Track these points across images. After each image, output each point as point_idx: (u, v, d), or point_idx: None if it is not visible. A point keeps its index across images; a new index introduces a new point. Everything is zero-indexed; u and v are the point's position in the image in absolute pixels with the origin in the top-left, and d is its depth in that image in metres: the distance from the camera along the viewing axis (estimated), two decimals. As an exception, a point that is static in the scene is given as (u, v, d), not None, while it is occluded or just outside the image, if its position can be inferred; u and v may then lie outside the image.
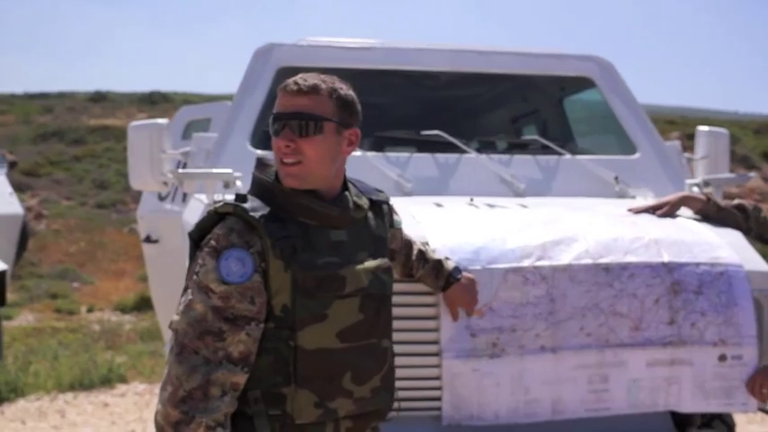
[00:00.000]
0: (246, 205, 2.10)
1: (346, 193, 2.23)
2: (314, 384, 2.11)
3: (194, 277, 2.08)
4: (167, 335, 5.42)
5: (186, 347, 2.03)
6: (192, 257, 2.15)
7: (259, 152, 3.78)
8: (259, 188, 2.19)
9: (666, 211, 3.36)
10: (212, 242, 2.08)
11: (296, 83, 2.14)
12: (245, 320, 2.06)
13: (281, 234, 2.08)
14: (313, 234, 2.14)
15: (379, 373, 2.24)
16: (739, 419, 3.66)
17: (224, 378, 2.03)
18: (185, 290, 2.11)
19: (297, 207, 2.14)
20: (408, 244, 2.71)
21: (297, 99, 2.13)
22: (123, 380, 8.23)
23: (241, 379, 2.06)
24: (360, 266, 2.19)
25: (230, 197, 3.35)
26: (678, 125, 25.60)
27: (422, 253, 2.75)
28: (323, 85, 2.15)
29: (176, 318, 2.08)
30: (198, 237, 2.15)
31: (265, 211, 2.10)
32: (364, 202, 2.27)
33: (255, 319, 2.07)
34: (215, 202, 2.20)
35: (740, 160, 22.98)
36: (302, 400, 2.10)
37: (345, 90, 2.19)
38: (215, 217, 2.13)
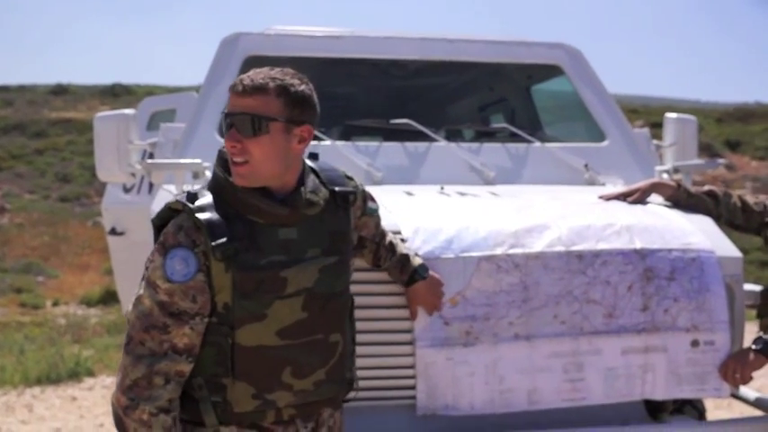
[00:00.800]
0: (195, 204, 2.13)
1: (301, 188, 2.21)
2: (251, 378, 2.17)
3: (146, 272, 2.15)
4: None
5: (133, 339, 2.12)
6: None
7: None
8: (214, 183, 2.21)
9: (637, 197, 3.36)
10: (161, 239, 2.14)
11: (242, 82, 2.13)
12: (188, 316, 2.12)
13: (225, 235, 2.10)
14: (260, 232, 2.15)
15: (323, 367, 2.25)
16: (707, 405, 3.68)
17: (168, 368, 2.11)
18: (141, 280, 2.18)
19: (245, 205, 2.15)
20: (382, 233, 2.70)
21: (242, 99, 2.12)
22: (91, 373, 8.15)
23: (186, 368, 2.14)
24: (306, 266, 2.19)
25: (198, 188, 3.34)
26: (641, 114, 25.82)
27: (392, 245, 2.73)
28: (271, 84, 2.12)
29: (130, 307, 2.17)
30: (159, 225, 2.22)
31: (212, 210, 2.13)
32: (321, 197, 2.25)
33: (199, 314, 2.13)
34: (182, 193, 2.21)
35: (703, 148, 23.20)
36: (240, 392, 2.17)
37: (298, 86, 2.15)
38: (169, 211, 2.19)
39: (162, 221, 2.20)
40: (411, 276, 2.76)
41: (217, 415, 2.16)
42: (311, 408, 2.26)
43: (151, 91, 26.27)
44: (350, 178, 2.39)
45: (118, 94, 30.88)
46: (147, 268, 2.15)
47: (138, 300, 2.14)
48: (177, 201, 2.16)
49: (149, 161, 3.55)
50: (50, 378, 7.87)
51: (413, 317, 2.83)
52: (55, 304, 13.20)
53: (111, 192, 6.49)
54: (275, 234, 2.16)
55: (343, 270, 2.29)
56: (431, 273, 2.79)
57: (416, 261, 2.78)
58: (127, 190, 6.14)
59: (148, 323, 2.11)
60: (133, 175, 3.95)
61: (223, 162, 2.20)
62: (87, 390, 7.69)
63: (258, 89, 2.11)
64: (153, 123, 5.95)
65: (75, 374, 8.02)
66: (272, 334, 2.16)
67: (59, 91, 32.72)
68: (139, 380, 2.10)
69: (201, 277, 2.11)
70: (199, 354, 2.15)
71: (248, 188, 2.14)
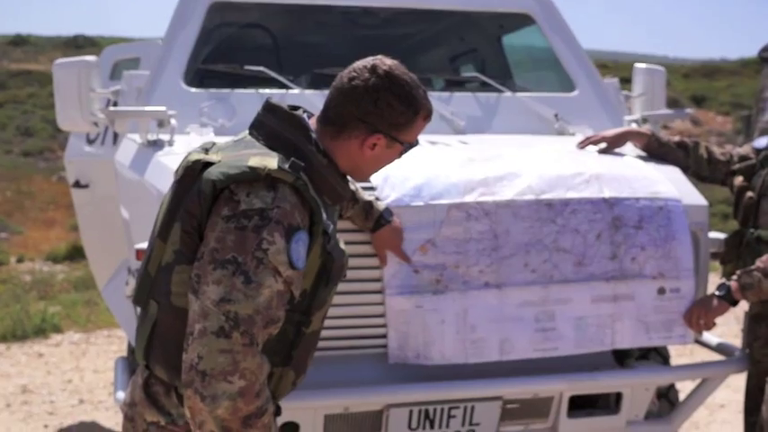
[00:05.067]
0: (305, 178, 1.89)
1: None
2: (298, 364, 2.05)
3: (258, 254, 1.81)
4: (101, 281, 5.30)
5: (254, 336, 1.80)
6: (199, 205, 1.88)
7: (193, 90, 3.66)
8: (296, 155, 1.91)
9: (611, 144, 3.36)
10: (278, 216, 1.82)
11: None
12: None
13: (325, 217, 1.95)
14: (330, 214, 2.01)
15: None
16: (670, 352, 3.73)
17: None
18: (232, 262, 1.80)
19: (326, 185, 1.97)
20: None
21: None
22: (58, 330, 8.07)
23: None
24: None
25: (165, 137, 3.27)
26: (611, 69, 25.81)
27: (352, 193, 2.70)
28: None
29: (237, 297, 1.79)
30: (221, 187, 1.86)
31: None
32: None
33: None
34: (277, 166, 1.87)
35: (670, 103, 23.20)
36: (287, 380, 2.05)
37: None
38: (256, 177, 1.85)
39: (225, 185, 1.85)
40: (377, 221, 2.74)
41: None
42: None
43: (115, 43, 25.88)
44: None
45: (81, 46, 30.25)
46: (264, 251, 1.80)
47: (257, 289, 1.80)
48: (286, 171, 1.84)
49: (112, 108, 3.47)
50: (16, 335, 7.77)
51: (382, 263, 2.82)
52: (20, 261, 13.03)
53: (73, 143, 6.35)
54: (335, 215, 2.07)
55: None
56: (395, 218, 2.78)
57: (380, 206, 2.76)
58: (90, 141, 6.02)
59: (269, 318, 1.82)
60: (96, 124, 3.85)
61: (303, 132, 1.98)
62: (54, 346, 7.63)
63: None
64: (116, 73, 5.82)
65: (42, 331, 7.93)
66: (320, 320, 2.07)
67: (19, 42, 32.08)
68: (264, 382, 1.84)
69: None
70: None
71: (332, 167, 1.99)
